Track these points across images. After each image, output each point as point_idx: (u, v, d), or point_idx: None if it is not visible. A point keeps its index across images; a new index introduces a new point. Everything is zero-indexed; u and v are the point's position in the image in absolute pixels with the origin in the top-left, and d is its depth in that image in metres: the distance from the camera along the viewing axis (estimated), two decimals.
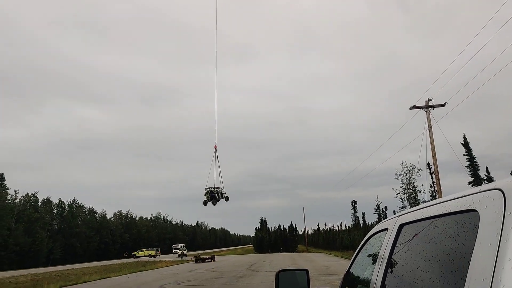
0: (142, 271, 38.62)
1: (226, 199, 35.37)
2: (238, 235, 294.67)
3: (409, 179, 44.30)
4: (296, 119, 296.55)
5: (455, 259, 1.23)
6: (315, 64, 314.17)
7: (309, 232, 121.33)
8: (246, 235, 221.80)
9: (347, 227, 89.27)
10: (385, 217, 62.65)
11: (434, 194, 40.49)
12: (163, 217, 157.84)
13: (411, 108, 26.55)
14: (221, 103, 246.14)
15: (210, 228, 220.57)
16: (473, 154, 46.01)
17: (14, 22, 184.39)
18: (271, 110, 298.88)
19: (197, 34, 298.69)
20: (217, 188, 34.05)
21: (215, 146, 32.46)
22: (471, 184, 43.49)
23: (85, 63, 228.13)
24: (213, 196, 33.99)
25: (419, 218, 1.67)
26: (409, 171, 44.07)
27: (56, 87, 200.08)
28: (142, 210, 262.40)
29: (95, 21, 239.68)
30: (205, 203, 36.16)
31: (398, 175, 44.97)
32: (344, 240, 68.00)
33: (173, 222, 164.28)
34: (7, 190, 76.68)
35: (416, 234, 1.68)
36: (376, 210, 68.03)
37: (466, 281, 1.07)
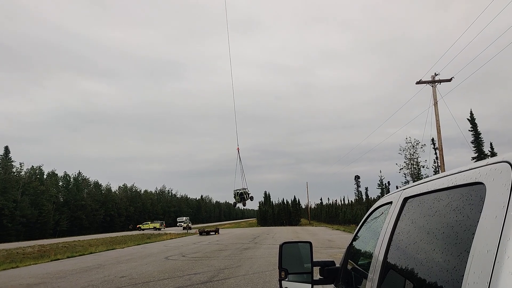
0: (147, 243, 39.35)
1: (251, 198, 39.21)
2: (242, 208, 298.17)
3: (413, 155, 44.24)
4: (301, 93, 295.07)
5: (459, 232, 1.22)
6: (321, 37, 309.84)
7: (312, 206, 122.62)
8: (250, 209, 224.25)
9: (350, 201, 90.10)
10: (388, 192, 62.96)
11: (437, 169, 40.52)
12: (168, 190, 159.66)
13: (417, 82, 26.25)
14: (225, 76, 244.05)
15: (215, 201, 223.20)
16: (479, 130, 45.81)
17: None
18: (276, 83, 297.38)
19: (200, 8, 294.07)
20: (244, 189, 37.76)
21: (238, 148, 33.66)
22: (475, 160, 43.45)
23: (90, 38, 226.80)
24: (242, 197, 37.91)
25: (424, 191, 1.67)
26: (413, 146, 43.96)
27: (61, 61, 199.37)
28: (147, 184, 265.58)
29: None
30: (234, 204, 41.50)
31: (402, 151, 44.90)
32: (347, 214, 68.66)
33: (178, 196, 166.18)
34: (12, 163, 77.47)
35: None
36: (379, 185, 68.44)
37: (470, 253, 1.07)
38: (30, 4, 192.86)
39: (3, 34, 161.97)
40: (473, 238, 1.09)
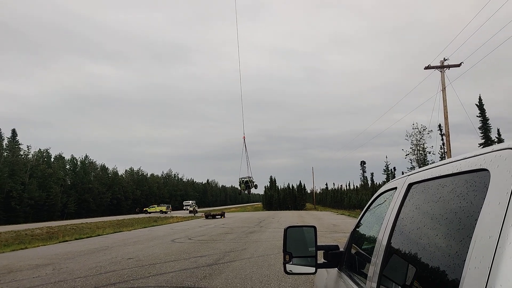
0: (154, 226, 39.81)
1: (256, 187, 40.88)
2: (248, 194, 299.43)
3: (419, 140, 44.04)
4: (309, 79, 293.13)
5: (462, 218, 1.23)
6: (330, 22, 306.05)
7: (318, 191, 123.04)
8: (256, 193, 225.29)
9: (355, 186, 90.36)
10: (394, 177, 62.90)
11: (443, 155, 40.36)
12: (174, 174, 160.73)
13: (426, 68, 25.95)
14: (232, 60, 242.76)
15: (221, 185, 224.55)
16: (487, 116, 45.40)
17: None
18: (284, 69, 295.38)
19: None
20: (249, 177, 39.16)
21: (244, 137, 34.34)
22: (482, 146, 43.18)
23: (97, 20, 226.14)
24: (248, 186, 39.63)
25: (428, 177, 1.67)
26: (420, 132, 43.74)
27: (68, 44, 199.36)
28: (154, 168, 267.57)
29: None
30: (240, 192, 44.13)
31: (409, 136, 44.72)
32: (352, 199, 68.88)
33: (184, 180, 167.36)
34: (20, 146, 78.16)
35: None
36: (384, 171, 68.32)
37: (472, 239, 1.08)
38: None
39: (11, 17, 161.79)
40: (476, 224, 1.10)
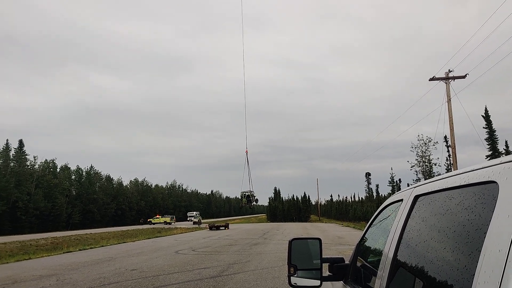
0: (158, 237, 39.69)
1: (256, 201, 42.89)
2: (252, 204, 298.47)
3: (424, 152, 43.88)
4: (313, 90, 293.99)
5: (471, 231, 1.21)
6: (333, 34, 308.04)
7: (322, 203, 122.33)
8: (260, 204, 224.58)
9: (360, 198, 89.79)
10: (399, 189, 62.48)
11: (449, 167, 40.11)
12: (179, 185, 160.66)
13: (431, 79, 25.95)
14: (236, 71, 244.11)
15: (225, 197, 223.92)
16: (493, 127, 45.17)
17: None
18: (287, 80, 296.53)
19: (212, 3, 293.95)
20: (251, 191, 40.77)
21: (246, 151, 35.21)
22: (489, 158, 42.89)
23: (102, 32, 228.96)
24: (249, 200, 41.42)
25: (435, 189, 1.65)
26: (425, 143, 43.62)
27: (73, 56, 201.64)
28: (158, 178, 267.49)
29: None
30: (241, 206, 46.66)
31: (414, 148, 44.61)
32: (357, 211, 68.42)
33: (188, 191, 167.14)
34: (26, 156, 78.62)
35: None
36: (390, 182, 68.00)
37: (482, 252, 1.06)
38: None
39: (17, 29, 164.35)
40: (485, 237, 1.08)
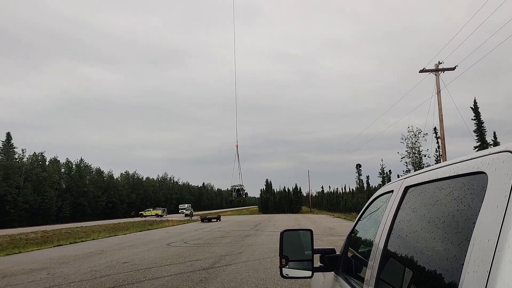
0: (149, 229, 39.64)
1: (246, 195, 43.73)
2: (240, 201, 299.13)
3: (414, 144, 44.13)
4: (304, 82, 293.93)
5: (460, 221, 1.22)
6: (325, 27, 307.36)
7: (313, 194, 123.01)
8: (252, 196, 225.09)
9: (351, 190, 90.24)
10: (389, 180, 62.97)
11: (438, 158, 40.50)
12: (170, 178, 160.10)
13: (421, 71, 26.09)
14: (228, 64, 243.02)
15: (216, 189, 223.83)
16: (482, 119, 45.61)
17: None
18: (278, 72, 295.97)
19: None
20: (241, 185, 41.56)
21: (237, 145, 35.56)
22: (477, 149, 43.37)
23: (92, 24, 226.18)
24: (239, 194, 42.54)
25: (425, 180, 1.66)
26: (415, 135, 43.83)
27: (63, 48, 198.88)
28: (149, 171, 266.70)
29: None
30: (231, 200, 47.83)
31: (404, 139, 44.78)
32: (348, 202, 68.88)
33: (180, 183, 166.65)
34: (15, 149, 77.64)
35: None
36: (380, 174, 68.40)
37: (471, 242, 1.07)
38: None
39: (5, 20, 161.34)
40: (474, 227, 1.09)
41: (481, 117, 45.50)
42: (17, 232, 40.52)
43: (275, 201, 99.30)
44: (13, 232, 41.10)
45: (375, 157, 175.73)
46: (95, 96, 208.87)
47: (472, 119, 45.58)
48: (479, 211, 1.10)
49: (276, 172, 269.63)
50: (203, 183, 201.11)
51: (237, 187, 41.97)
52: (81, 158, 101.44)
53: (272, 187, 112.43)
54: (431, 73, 25.89)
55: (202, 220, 52.50)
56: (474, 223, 1.09)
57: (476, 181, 1.20)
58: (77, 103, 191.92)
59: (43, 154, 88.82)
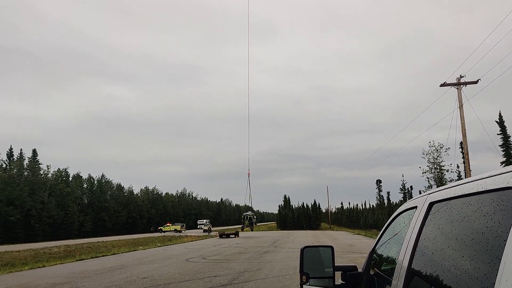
0: (169, 245, 39.71)
1: (255, 222, 46.04)
2: (262, 212, 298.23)
3: (436, 159, 43.32)
4: (320, 98, 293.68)
5: (490, 238, 1.18)
6: (339, 42, 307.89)
7: (333, 211, 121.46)
8: (270, 212, 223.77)
9: (371, 206, 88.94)
10: (411, 196, 61.78)
11: (460, 174, 39.61)
12: (189, 193, 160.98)
13: (442, 85, 25.72)
14: (244, 80, 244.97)
15: (234, 204, 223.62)
16: (508, 133, 44.56)
17: (40, 6, 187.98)
18: (295, 88, 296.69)
19: (220, 13, 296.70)
20: (252, 213, 45.72)
21: (248, 173, 36.77)
22: (504, 164, 42.25)
23: (112, 44, 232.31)
24: (251, 222, 48.06)
25: (451, 196, 1.62)
26: (437, 150, 43.06)
27: (84, 67, 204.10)
28: (168, 187, 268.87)
29: (119, 2, 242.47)
30: (242, 228, 51.46)
31: (425, 154, 44.02)
32: (368, 219, 67.76)
33: (198, 199, 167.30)
34: (40, 165, 79.64)
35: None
36: (401, 190, 67.28)
37: (502, 260, 1.03)
38: (54, 13, 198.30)
39: (28, 41, 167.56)
40: (505, 244, 1.05)
41: (507, 131, 44.48)
42: (41, 246, 41.18)
43: (294, 217, 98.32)
44: (37, 246, 41.80)
45: (395, 172, 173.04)
46: (116, 113, 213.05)
47: (497, 134, 44.58)
48: (510, 228, 1.06)
49: (294, 187, 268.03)
50: (221, 199, 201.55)
51: (249, 215, 44.21)
52: (103, 174, 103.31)
53: (291, 203, 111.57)
54: (452, 87, 25.50)
55: (221, 236, 52.35)
56: (505, 240, 1.05)
57: (506, 197, 1.16)
58: (99, 121, 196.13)
59: (67, 170, 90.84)
